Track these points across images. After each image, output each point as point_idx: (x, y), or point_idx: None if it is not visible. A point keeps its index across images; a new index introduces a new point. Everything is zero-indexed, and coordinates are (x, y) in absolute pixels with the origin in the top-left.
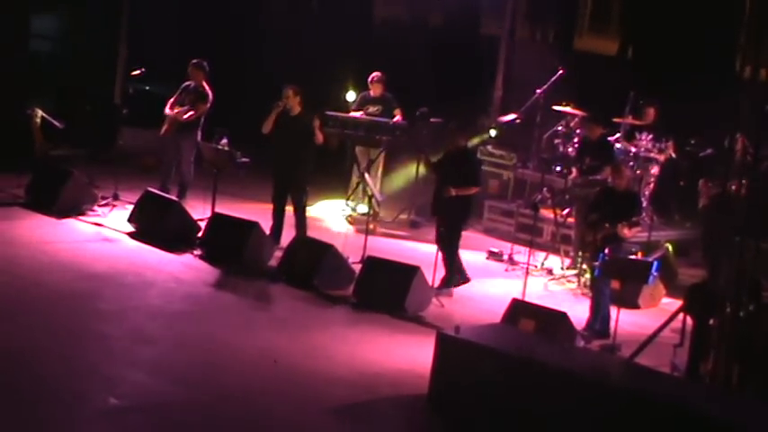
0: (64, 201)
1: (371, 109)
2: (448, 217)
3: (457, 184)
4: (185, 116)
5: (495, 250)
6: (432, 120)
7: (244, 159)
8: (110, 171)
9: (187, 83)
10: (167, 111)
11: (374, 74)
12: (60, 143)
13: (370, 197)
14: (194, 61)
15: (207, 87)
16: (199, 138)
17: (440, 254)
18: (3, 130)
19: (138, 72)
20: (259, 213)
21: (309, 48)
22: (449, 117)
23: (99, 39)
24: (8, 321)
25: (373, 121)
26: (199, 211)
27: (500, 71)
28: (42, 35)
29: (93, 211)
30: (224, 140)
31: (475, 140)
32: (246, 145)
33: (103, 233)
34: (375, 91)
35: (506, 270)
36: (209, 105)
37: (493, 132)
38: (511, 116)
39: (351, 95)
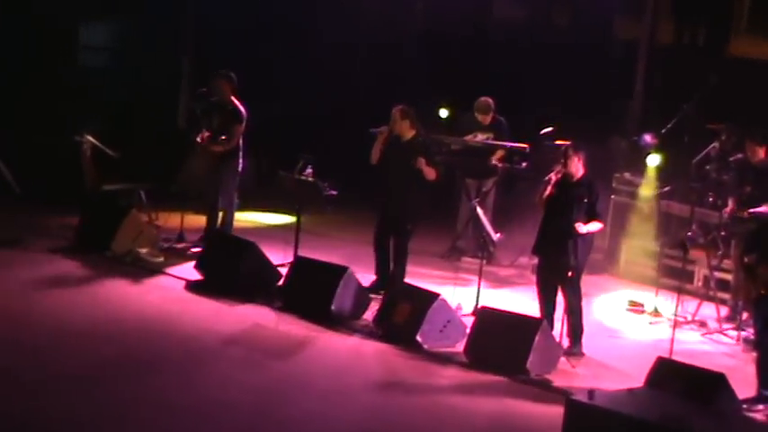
0: (119, 244)
1: (480, 137)
2: (572, 260)
3: (578, 220)
4: (218, 147)
5: (636, 299)
6: (557, 142)
7: (331, 192)
8: (174, 208)
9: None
10: (198, 139)
11: (481, 100)
12: (115, 175)
13: (483, 236)
14: (220, 71)
15: (237, 103)
16: (241, 165)
17: (562, 303)
18: (48, 161)
19: (205, 90)
20: (351, 257)
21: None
22: (578, 138)
23: (159, 51)
24: (42, 391)
25: (486, 146)
26: (279, 255)
27: (639, 81)
28: (93, 47)
29: (153, 255)
30: (309, 170)
31: (648, 188)
32: (334, 175)
33: (166, 282)
34: (483, 119)
35: (650, 323)
36: (244, 126)
37: (655, 160)
38: (649, 137)
39: (444, 112)
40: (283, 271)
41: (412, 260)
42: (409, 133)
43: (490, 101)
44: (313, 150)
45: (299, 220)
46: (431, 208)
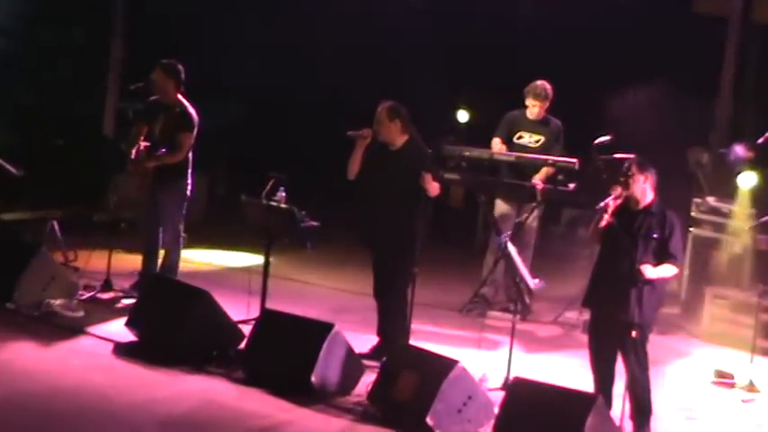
0: (25, 293)
1: (526, 139)
2: (637, 315)
3: (644, 261)
4: (152, 162)
5: (724, 368)
6: (617, 155)
7: (311, 223)
8: (98, 245)
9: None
10: (132, 152)
11: (536, 84)
12: (18, 201)
13: (517, 283)
14: (163, 62)
15: (186, 104)
16: (189, 187)
17: (624, 373)
18: None
19: (140, 85)
20: (338, 311)
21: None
22: (644, 151)
23: (78, 33)
24: None
25: (522, 160)
26: (241, 307)
27: (727, 72)
28: None
29: (70, 308)
30: (281, 193)
31: (740, 218)
32: (314, 200)
33: (87, 345)
34: (536, 109)
35: (744, 401)
36: (195, 133)
37: (749, 179)
38: (740, 150)
39: (463, 115)
40: (246, 330)
41: (420, 314)
42: (400, 139)
43: (548, 87)
44: (286, 167)
45: (267, 261)
46: (441, 243)
